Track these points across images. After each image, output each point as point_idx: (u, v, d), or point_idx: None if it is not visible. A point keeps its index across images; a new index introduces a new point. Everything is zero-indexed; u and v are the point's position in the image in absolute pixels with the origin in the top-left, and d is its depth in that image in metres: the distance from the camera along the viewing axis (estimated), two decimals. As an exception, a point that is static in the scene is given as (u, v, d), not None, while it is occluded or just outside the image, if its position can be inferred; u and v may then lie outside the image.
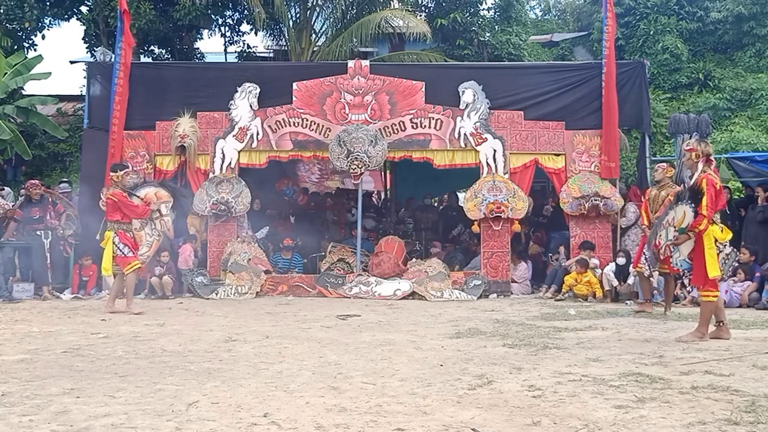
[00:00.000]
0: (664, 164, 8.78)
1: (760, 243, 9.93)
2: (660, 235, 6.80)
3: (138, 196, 8.86)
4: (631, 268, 9.96)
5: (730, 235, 6.36)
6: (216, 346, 6.04)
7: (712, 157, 6.38)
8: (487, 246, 10.86)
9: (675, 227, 6.42)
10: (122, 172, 8.69)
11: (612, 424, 3.60)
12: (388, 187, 16.42)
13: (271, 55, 20.29)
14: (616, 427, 3.56)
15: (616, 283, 9.98)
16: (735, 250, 6.73)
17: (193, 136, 11.10)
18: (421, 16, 18.62)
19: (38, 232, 10.22)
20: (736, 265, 9.57)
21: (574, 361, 5.30)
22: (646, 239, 8.15)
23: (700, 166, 6.29)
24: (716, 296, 6.28)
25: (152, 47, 18.35)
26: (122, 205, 8.53)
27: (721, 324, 6.36)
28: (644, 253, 8.35)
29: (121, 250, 8.45)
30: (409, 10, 18.05)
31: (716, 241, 6.17)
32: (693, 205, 6.20)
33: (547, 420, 3.69)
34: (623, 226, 11.03)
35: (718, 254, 6.18)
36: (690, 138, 10.96)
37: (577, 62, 14.67)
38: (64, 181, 12.32)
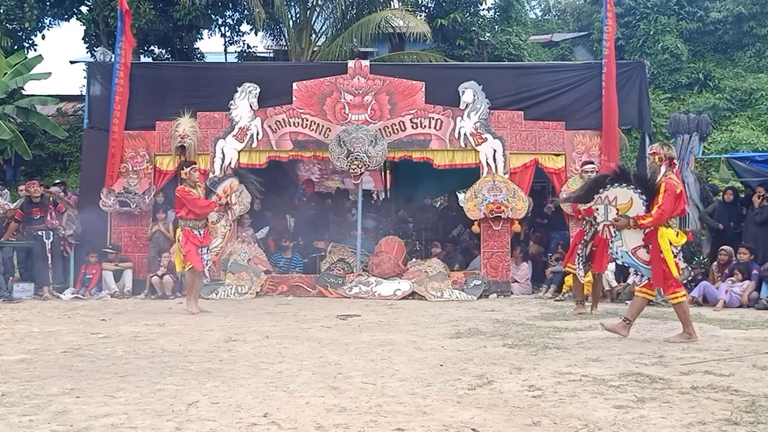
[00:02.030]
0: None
1: (760, 243, 9.93)
2: (598, 210, 6.66)
3: (216, 193, 8.93)
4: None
5: (684, 240, 6.38)
6: (216, 346, 6.04)
7: (675, 161, 6.39)
8: (487, 246, 10.86)
9: (618, 209, 6.33)
10: (189, 168, 8.76)
11: (612, 424, 3.60)
12: (388, 187, 16.42)
13: (271, 55, 20.30)
14: (616, 427, 3.56)
15: (615, 283, 9.98)
16: (688, 266, 6.67)
17: (193, 136, 11.10)
18: (421, 16, 18.64)
19: (39, 233, 10.22)
20: (733, 264, 9.61)
21: (574, 361, 5.30)
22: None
23: (663, 169, 6.29)
24: (684, 295, 6.28)
25: (152, 47, 18.37)
26: (185, 201, 8.57)
27: (627, 321, 6.37)
28: (578, 254, 8.30)
29: (183, 248, 8.48)
30: (409, 10, 18.05)
31: (671, 243, 6.17)
32: (645, 198, 6.17)
33: (547, 420, 3.69)
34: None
35: (675, 256, 6.18)
36: (690, 138, 11.01)
37: (577, 62, 14.67)
38: (56, 184, 12.31)
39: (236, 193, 9.37)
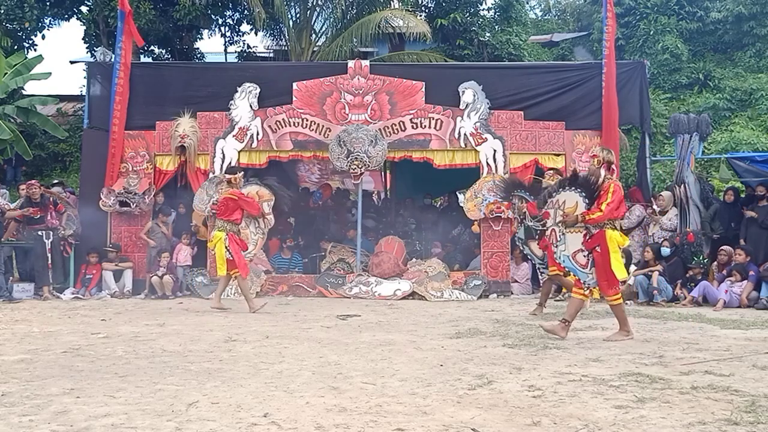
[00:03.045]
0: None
1: (761, 243, 9.93)
2: (550, 214, 6.88)
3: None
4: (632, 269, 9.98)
5: (627, 241, 6.53)
6: (216, 346, 6.04)
7: (613, 166, 6.53)
8: (487, 246, 10.86)
9: (565, 211, 6.52)
10: (240, 175, 8.92)
11: (612, 424, 3.60)
12: (388, 187, 16.42)
13: (271, 55, 20.29)
14: (616, 427, 3.56)
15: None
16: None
17: (193, 136, 11.10)
18: (421, 16, 18.62)
19: (39, 233, 10.21)
20: (732, 265, 9.61)
21: (574, 361, 5.30)
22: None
23: (603, 172, 6.41)
24: (621, 297, 6.38)
25: (152, 47, 18.35)
26: (244, 203, 8.68)
27: (565, 322, 6.45)
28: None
29: (230, 253, 8.53)
30: (409, 10, 18.04)
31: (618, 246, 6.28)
32: (587, 202, 6.33)
33: (547, 420, 3.69)
34: (624, 227, 11.00)
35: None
36: (690, 138, 11.00)
37: (577, 62, 14.67)
38: (55, 184, 12.32)
39: (268, 203, 9.49)
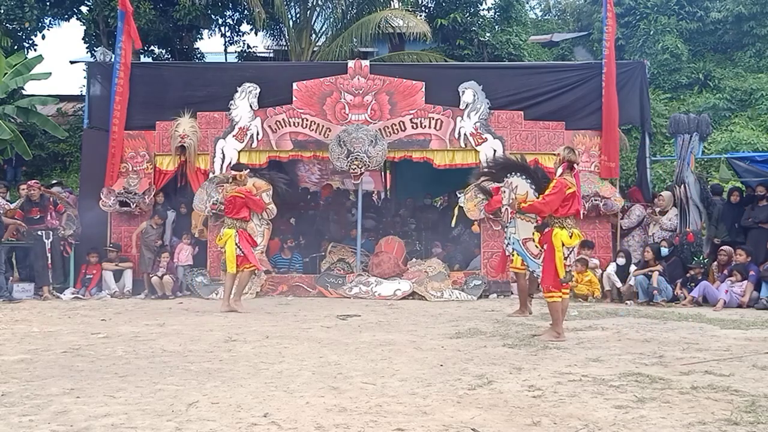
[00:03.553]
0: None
1: (762, 244, 9.92)
2: (504, 193, 7.03)
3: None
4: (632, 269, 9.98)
5: (578, 240, 6.54)
6: (216, 346, 6.04)
7: (575, 165, 6.52)
8: (487, 246, 10.86)
9: (515, 193, 6.69)
10: (246, 172, 8.95)
11: (612, 424, 3.60)
12: (388, 187, 16.41)
13: (271, 55, 20.29)
14: (616, 427, 3.56)
15: (619, 284, 9.97)
16: (572, 268, 6.89)
17: (193, 136, 11.10)
18: (421, 16, 18.62)
19: (39, 233, 10.21)
20: (732, 265, 9.61)
21: (574, 361, 5.30)
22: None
23: (560, 170, 6.47)
24: (560, 297, 6.40)
25: (152, 47, 18.35)
26: (250, 201, 8.74)
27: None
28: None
29: (241, 250, 8.56)
30: (409, 10, 18.04)
31: (564, 245, 6.32)
32: (537, 196, 6.44)
33: (547, 420, 3.69)
34: (624, 227, 11.03)
35: (566, 257, 6.35)
36: (690, 138, 11.01)
37: (577, 62, 14.67)
38: (54, 184, 12.32)
39: (267, 193, 9.54)
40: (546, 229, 6.39)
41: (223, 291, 9.04)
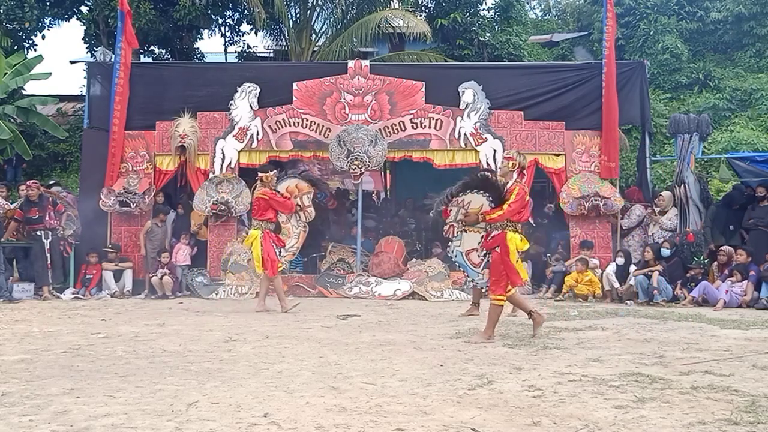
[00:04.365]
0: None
1: (762, 244, 9.92)
2: (451, 211, 7.07)
3: (279, 192, 9.08)
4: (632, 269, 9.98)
5: (527, 245, 6.59)
6: (216, 346, 6.04)
7: (524, 171, 6.63)
8: (487, 246, 10.84)
9: (466, 209, 6.72)
10: (272, 173, 8.89)
11: (612, 424, 3.60)
12: (388, 187, 16.41)
13: (271, 55, 20.28)
14: (616, 427, 3.55)
15: (617, 284, 9.98)
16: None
17: (193, 136, 11.10)
18: (421, 16, 18.60)
19: (38, 233, 10.21)
20: (732, 265, 9.61)
21: (574, 361, 5.30)
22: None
23: (515, 176, 6.51)
24: (504, 300, 6.42)
25: (152, 47, 18.34)
26: (274, 203, 8.70)
27: (533, 314, 6.55)
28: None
29: (266, 251, 8.55)
30: (409, 10, 18.03)
31: (517, 249, 6.36)
32: (493, 206, 6.45)
33: (547, 420, 3.69)
34: (624, 227, 11.03)
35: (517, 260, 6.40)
36: (690, 138, 11.00)
37: (577, 62, 14.66)
38: (53, 184, 12.32)
39: (308, 195, 9.49)
40: (494, 233, 6.37)
41: (259, 291, 9.04)
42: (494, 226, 6.35)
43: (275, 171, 9.09)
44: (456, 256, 7.08)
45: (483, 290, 6.77)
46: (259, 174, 8.90)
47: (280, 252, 8.84)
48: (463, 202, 6.78)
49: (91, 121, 11.65)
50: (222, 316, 8.21)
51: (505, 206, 6.24)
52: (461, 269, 7.74)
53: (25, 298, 10.03)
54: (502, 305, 6.39)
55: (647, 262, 9.87)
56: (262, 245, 8.53)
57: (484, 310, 7.18)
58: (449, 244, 7.18)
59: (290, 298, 10.31)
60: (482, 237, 6.61)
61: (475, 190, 6.63)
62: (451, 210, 7.02)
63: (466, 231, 6.95)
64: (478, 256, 6.70)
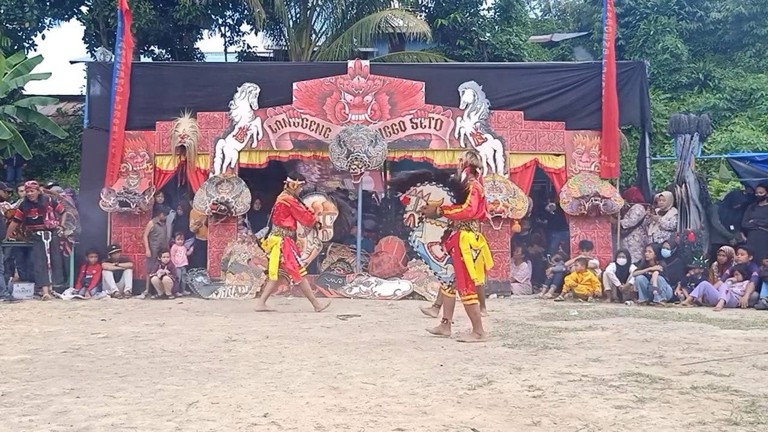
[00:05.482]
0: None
1: (762, 244, 9.92)
2: (411, 201, 7.08)
3: (304, 204, 9.13)
4: (632, 269, 9.98)
5: (483, 243, 6.65)
6: (216, 346, 6.04)
7: (477, 170, 6.70)
8: (487, 246, 10.83)
9: (426, 201, 6.75)
10: (300, 182, 8.97)
11: (612, 424, 3.60)
12: (388, 187, 16.38)
13: (271, 55, 20.28)
14: (616, 427, 3.55)
15: (618, 283, 9.98)
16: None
17: (193, 136, 11.10)
18: (421, 16, 18.60)
19: (38, 233, 10.21)
20: (733, 265, 9.62)
21: (574, 361, 5.30)
22: None
23: (464, 175, 6.58)
24: (476, 298, 6.47)
25: (152, 47, 18.35)
26: (294, 212, 8.73)
27: (446, 321, 6.65)
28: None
29: (286, 257, 8.59)
30: (409, 10, 18.02)
31: (471, 247, 6.41)
32: (455, 202, 6.51)
33: (547, 420, 3.69)
34: (624, 227, 11.03)
35: (474, 259, 6.43)
36: (690, 138, 11.01)
37: (577, 62, 14.66)
38: (52, 185, 12.31)
39: (331, 216, 9.51)
40: (452, 233, 6.46)
41: (263, 293, 9.01)
42: (453, 225, 6.46)
43: (303, 181, 9.18)
44: (418, 247, 7.12)
45: (445, 286, 6.77)
46: (288, 179, 8.93)
47: (299, 258, 8.93)
48: (422, 192, 6.82)
49: (91, 121, 11.64)
50: (222, 316, 8.21)
51: (465, 204, 6.33)
52: (424, 261, 7.77)
53: (25, 298, 10.03)
54: (476, 302, 6.45)
55: (648, 262, 9.86)
56: (282, 251, 8.54)
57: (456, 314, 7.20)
58: (410, 234, 7.21)
59: (290, 298, 10.33)
60: (444, 232, 6.71)
61: (437, 184, 6.72)
62: (411, 199, 7.08)
63: (427, 222, 6.97)
64: (441, 250, 6.76)
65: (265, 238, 9.04)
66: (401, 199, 7.70)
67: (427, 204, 6.66)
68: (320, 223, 9.48)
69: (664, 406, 3.95)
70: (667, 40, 18.09)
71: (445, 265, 6.72)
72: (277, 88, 11.30)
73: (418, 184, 6.82)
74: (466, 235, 6.38)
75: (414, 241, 7.15)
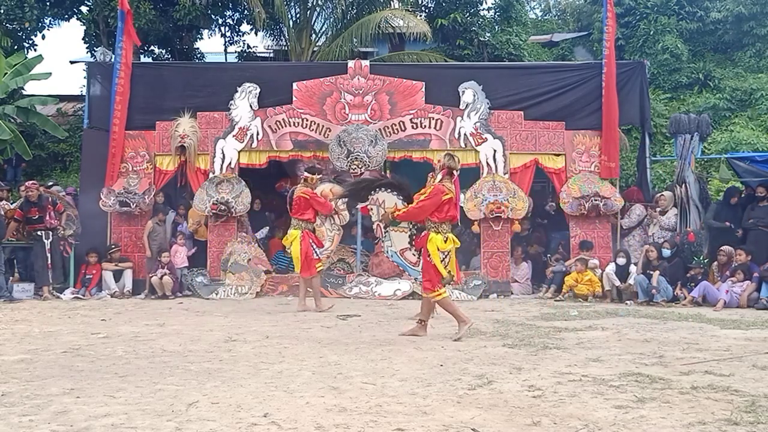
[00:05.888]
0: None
1: (762, 244, 9.92)
2: (372, 210, 7.13)
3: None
4: (632, 268, 9.98)
5: (451, 245, 6.64)
6: (216, 346, 6.04)
7: (455, 172, 6.63)
8: (487, 246, 10.85)
9: (383, 208, 6.82)
10: (318, 176, 8.99)
11: (612, 424, 3.60)
12: (345, 200, 16.32)
13: (271, 55, 20.27)
14: (616, 427, 3.56)
15: (618, 283, 9.98)
16: (450, 272, 6.80)
17: (193, 136, 11.10)
18: (421, 16, 18.59)
19: (38, 233, 10.20)
20: (734, 265, 9.61)
21: (574, 361, 5.31)
22: None
23: (439, 177, 6.58)
24: (444, 292, 6.53)
25: (152, 47, 18.34)
26: (314, 203, 8.74)
27: (422, 323, 6.68)
28: None
29: (304, 251, 8.57)
30: (409, 10, 18.02)
31: (439, 249, 6.44)
32: (404, 201, 6.59)
33: (547, 420, 3.69)
34: (624, 227, 11.03)
35: (442, 260, 6.46)
36: (691, 138, 11.01)
37: (577, 62, 14.66)
38: (52, 184, 12.31)
39: (343, 200, 9.55)
40: (422, 233, 6.52)
41: (300, 292, 9.01)
42: (422, 226, 6.50)
43: (321, 175, 9.20)
44: (392, 256, 7.14)
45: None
46: (306, 174, 8.96)
47: (318, 252, 8.86)
48: (377, 200, 6.85)
49: (91, 121, 11.64)
50: (222, 316, 8.21)
51: (414, 203, 6.36)
52: (402, 269, 7.80)
53: (25, 298, 10.03)
54: (446, 295, 6.53)
55: (650, 262, 9.86)
56: (301, 245, 8.54)
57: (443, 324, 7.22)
58: (382, 244, 7.19)
59: (290, 298, 10.33)
60: (409, 236, 6.77)
61: (385, 190, 6.78)
62: (371, 209, 7.10)
63: (391, 230, 6.99)
64: (413, 254, 6.80)
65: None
66: (360, 209, 7.75)
67: (384, 213, 6.69)
68: (335, 210, 9.51)
69: (664, 406, 3.96)
70: (667, 40, 18.08)
71: (420, 267, 6.72)
72: (277, 88, 11.30)
73: (372, 192, 6.84)
74: (434, 237, 6.42)
75: (387, 251, 7.15)
